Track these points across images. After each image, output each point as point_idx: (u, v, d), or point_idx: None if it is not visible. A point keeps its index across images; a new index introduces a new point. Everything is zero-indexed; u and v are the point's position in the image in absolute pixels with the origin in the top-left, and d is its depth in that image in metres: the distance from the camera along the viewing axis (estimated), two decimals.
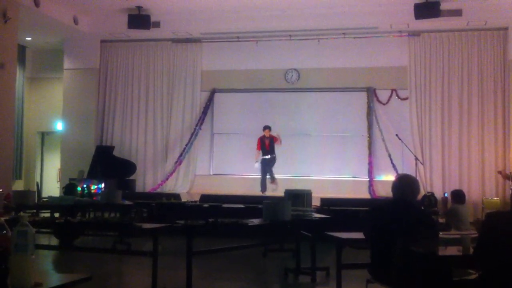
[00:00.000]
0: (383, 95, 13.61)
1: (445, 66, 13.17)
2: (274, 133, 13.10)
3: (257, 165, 13.19)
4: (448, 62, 13.15)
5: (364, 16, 12.77)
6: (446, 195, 11.18)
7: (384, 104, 13.58)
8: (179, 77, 14.56)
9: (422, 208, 8.97)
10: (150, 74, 14.66)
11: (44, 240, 8.92)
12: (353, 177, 13.61)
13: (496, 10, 12.12)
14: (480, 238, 3.52)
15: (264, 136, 13.08)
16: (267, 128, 13.07)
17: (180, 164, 14.31)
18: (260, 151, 13.10)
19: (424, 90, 13.25)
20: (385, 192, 12.48)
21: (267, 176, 13.01)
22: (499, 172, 12.11)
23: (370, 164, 13.41)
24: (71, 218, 6.48)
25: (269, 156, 13.03)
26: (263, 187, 12.88)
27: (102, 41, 14.73)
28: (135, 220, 6.38)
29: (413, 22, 12.28)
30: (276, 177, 13.19)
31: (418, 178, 11.95)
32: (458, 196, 8.72)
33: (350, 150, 13.68)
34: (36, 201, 9.29)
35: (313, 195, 9.19)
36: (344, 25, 13.12)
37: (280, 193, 12.01)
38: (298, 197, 6.57)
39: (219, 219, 5.89)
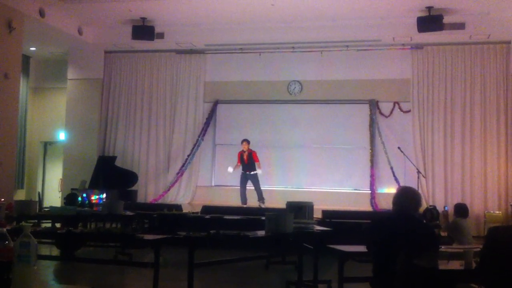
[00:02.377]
0: (385, 107, 13.62)
1: (447, 79, 13.18)
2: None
3: (230, 170, 12.92)
4: (451, 75, 13.17)
5: (367, 28, 12.82)
6: (446, 208, 11.14)
7: (386, 117, 13.58)
8: (182, 88, 14.59)
9: (424, 221, 8.94)
10: (153, 85, 14.70)
11: (45, 250, 8.92)
12: (355, 190, 13.58)
13: (499, 23, 12.16)
14: (482, 252, 3.50)
15: (242, 150, 12.91)
16: (244, 141, 12.85)
17: (182, 175, 14.30)
18: (240, 165, 12.90)
19: (427, 103, 13.25)
20: (387, 204, 12.42)
21: (249, 193, 12.77)
22: None
23: (372, 176, 13.39)
24: (72, 229, 6.48)
25: (248, 172, 12.78)
26: (243, 200, 12.76)
27: (106, 52, 14.79)
28: (137, 231, 6.36)
29: (416, 35, 12.32)
30: (277, 189, 13.19)
31: (420, 191, 11.91)
32: (460, 209, 8.68)
33: (352, 162, 13.66)
34: (37, 211, 9.29)
35: (314, 207, 9.17)
36: (347, 38, 13.17)
37: (281, 204, 12.00)
38: (299, 209, 6.53)
39: (220, 230, 5.88)
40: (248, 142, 12.88)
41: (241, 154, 12.89)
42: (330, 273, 6.79)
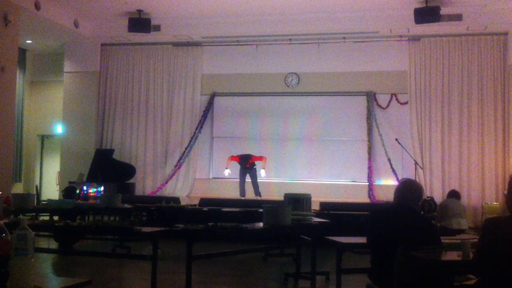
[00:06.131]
0: (383, 99, 13.62)
1: (445, 71, 13.19)
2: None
3: (228, 172, 13.05)
4: (448, 67, 13.17)
5: (364, 20, 12.79)
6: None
7: (384, 109, 13.59)
8: (179, 80, 14.57)
9: (422, 213, 8.98)
10: (150, 77, 14.67)
11: (43, 243, 8.93)
12: (352, 181, 13.60)
13: (496, 15, 12.15)
14: (479, 243, 3.51)
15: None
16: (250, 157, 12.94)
17: (179, 167, 14.30)
18: (230, 161, 12.99)
19: (424, 94, 13.26)
20: (384, 196, 12.49)
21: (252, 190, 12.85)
22: None
23: (369, 168, 13.41)
24: (70, 222, 6.47)
25: (247, 167, 12.82)
26: (242, 192, 12.81)
27: (103, 45, 14.75)
28: (135, 224, 6.36)
29: (413, 26, 12.30)
30: (274, 181, 13.22)
31: None
32: (450, 192, 9.82)
33: (350, 154, 13.68)
34: (35, 204, 9.27)
35: (312, 199, 9.19)
36: (344, 30, 13.15)
37: (279, 197, 12.01)
38: (297, 201, 6.52)
39: (218, 223, 5.88)
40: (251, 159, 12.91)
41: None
42: (328, 265, 6.82)
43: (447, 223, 9.40)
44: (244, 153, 13.01)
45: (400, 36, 13.35)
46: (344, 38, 13.50)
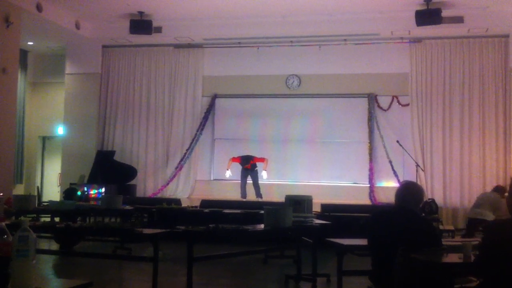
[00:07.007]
0: (384, 101, 13.61)
1: (446, 73, 13.18)
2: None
3: (228, 174, 13.10)
4: (449, 69, 13.17)
5: (365, 22, 12.79)
6: None
7: (385, 111, 13.58)
8: (180, 82, 14.57)
9: (423, 215, 8.97)
10: (151, 79, 14.67)
11: (44, 244, 8.94)
12: (354, 183, 13.58)
13: (497, 17, 12.15)
14: (481, 245, 3.51)
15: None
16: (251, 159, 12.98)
17: (180, 169, 14.29)
18: (231, 162, 13.02)
19: (425, 96, 13.25)
20: (386, 198, 12.48)
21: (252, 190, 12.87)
22: None
23: (370, 170, 13.40)
24: (71, 223, 6.48)
25: (249, 168, 12.84)
26: (243, 193, 12.81)
27: (104, 46, 14.75)
28: (136, 225, 6.36)
29: (415, 29, 12.29)
30: (275, 183, 13.22)
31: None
32: (494, 187, 10.70)
33: (351, 156, 13.66)
34: (36, 205, 9.28)
35: (313, 201, 9.19)
36: (345, 32, 13.14)
37: (280, 198, 12.01)
38: (298, 203, 6.53)
39: (219, 224, 5.88)
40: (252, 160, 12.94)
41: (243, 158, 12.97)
42: (329, 267, 6.81)
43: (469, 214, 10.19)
44: (245, 155, 13.02)
45: (401, 38, 13.35)
46: (345, 40, 13.49)
